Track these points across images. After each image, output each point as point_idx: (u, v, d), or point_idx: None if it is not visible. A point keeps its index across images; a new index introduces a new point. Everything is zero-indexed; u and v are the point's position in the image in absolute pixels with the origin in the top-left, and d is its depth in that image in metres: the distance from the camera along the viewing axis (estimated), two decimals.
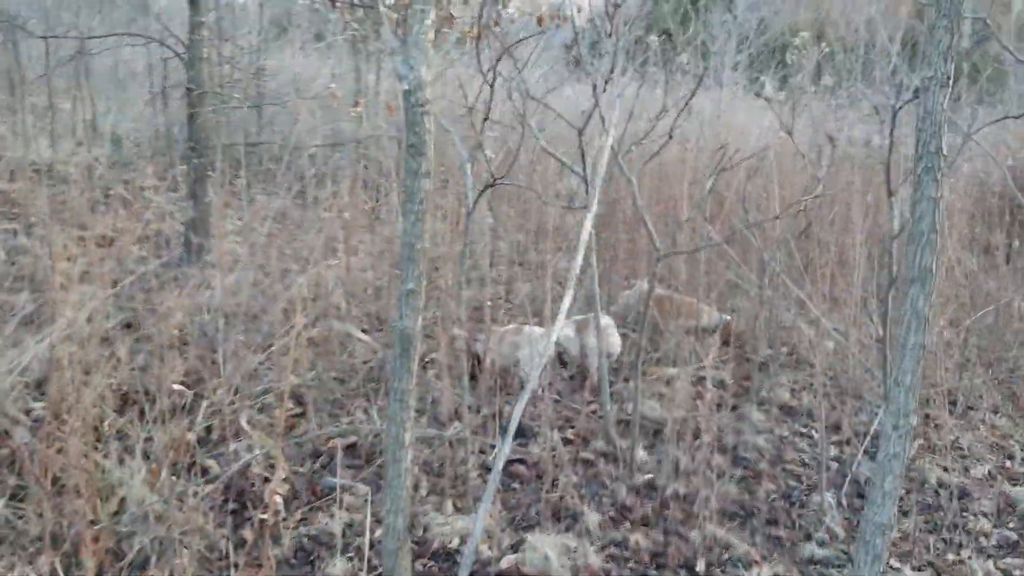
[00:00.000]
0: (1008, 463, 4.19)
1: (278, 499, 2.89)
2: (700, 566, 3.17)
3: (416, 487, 3.53)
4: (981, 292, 5.62)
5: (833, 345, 5.03)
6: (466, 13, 4.35)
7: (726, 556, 3.27)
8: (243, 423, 3.86)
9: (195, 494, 3.31)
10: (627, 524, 3.40)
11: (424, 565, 3.12)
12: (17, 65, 9.89)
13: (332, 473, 3.63)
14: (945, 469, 3.89)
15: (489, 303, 5.97)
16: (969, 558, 3.36)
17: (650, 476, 3.70)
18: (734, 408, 4.45)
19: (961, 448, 4.24)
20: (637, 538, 3.29)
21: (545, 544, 3.12)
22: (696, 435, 4.05)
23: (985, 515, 3.64)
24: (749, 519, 3.50)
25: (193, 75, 6.22)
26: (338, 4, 5.32)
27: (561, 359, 5.12)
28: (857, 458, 3.89)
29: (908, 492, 3.76)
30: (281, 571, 3.07)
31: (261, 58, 9.73)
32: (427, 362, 4.82)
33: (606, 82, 3.46)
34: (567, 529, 3.31)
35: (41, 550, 2.93)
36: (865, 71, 8.32)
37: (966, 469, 4.09)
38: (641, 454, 3.88)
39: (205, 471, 3.57)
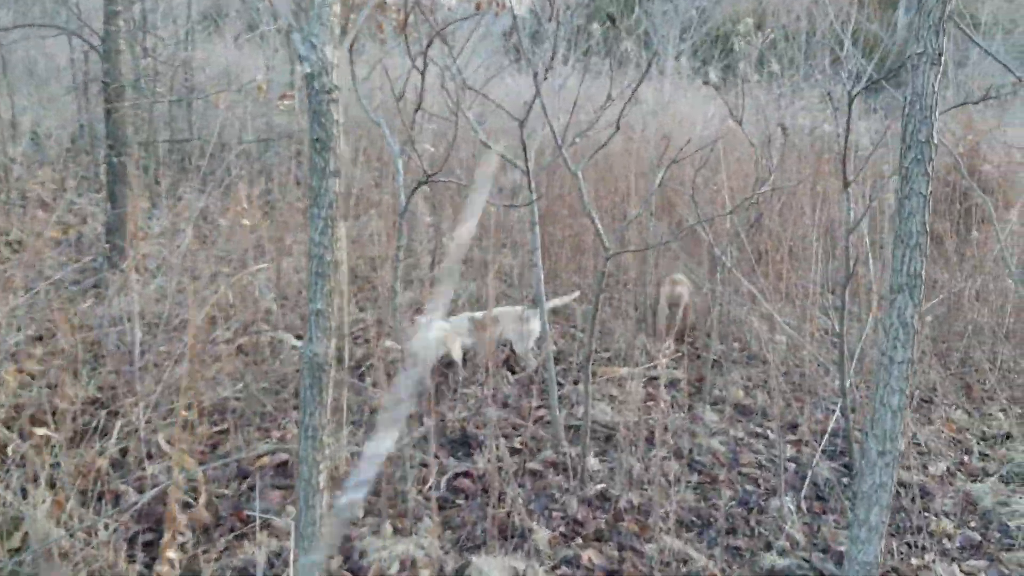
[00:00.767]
0: (966, 458, 4.08)
1: (182, 536, 2.61)
2: None
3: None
4: (931, 281, 5.53)
5: (786, 340, 4.90)
6: None
7: (684, 570, 3.08)
8: (161, 442, 3.56)
9: (106, 526, 3.02)
10: (579, 540, 3.19)
11: None
12: None
13: (261, 495, 3.35)
14: (906, 468, 3.75)
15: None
16: (933, 562, 3.22)
17: (602, 486, 3.50)
18: (688, 409, 4.28)
19: (919, 444, 4.12)
20: (590, 555, 3.08)
21: (492, 567, 2.89)
22: (649, 439, 3.87)
23: (947, 515, 3.51)
24: (706, 529, 3.31)
25: (109, 68, 5.83)
26: None
27: (508, 363, 4.90)
28: (815, 458, 3.74)
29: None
30: None
31: (187, 50, 9.32)
32: (364, 369, 4.57)
33: (547, 70, 3.23)
34: (515, 548, 3.08)
35: None
36: (807, 59, 8.26)
37: (924, 466, 3.97)
38: (592, 462, 3.67)
39: (119, 498, 3.27)
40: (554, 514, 3.30)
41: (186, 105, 8.90)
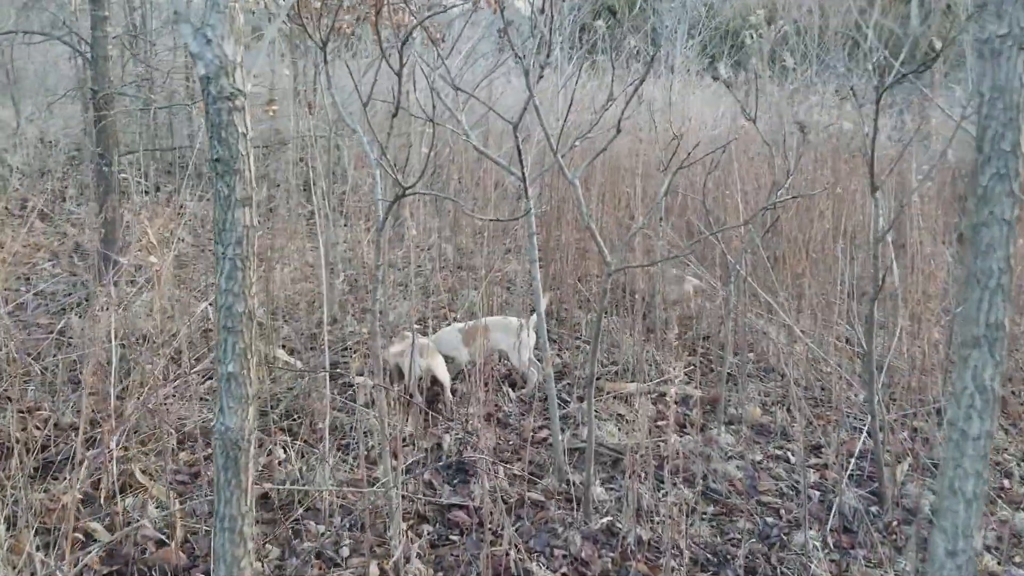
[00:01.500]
0: (1006, 482, 3.79)
1: None
2: None
3: (337, 546, 3.03)
4: (959, 285, 5.23)
5: (806, 351, 4.61)
6: None
7: None
8: (137, 473, 3.32)
9: (73, 568, 2.78)
10: None
11: None
12: None
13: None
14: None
15: (432, 314, 5.49)
16: None
17: (609, 519, 3.23)
18: (702, 429, 4.00)
19: None
20: None
21: None
22: (660, 465, 3.61)
23: (988, 550, 3.22)
24: (723, 568, 3.04)
25: (97, 75, 5.61)
26: None
27: (510, 378, 4.64)
28: (841, 484, 3.45)
29: (900, 524, 3.34)
30: None
31: (186, 55, 9.11)
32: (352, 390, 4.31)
33: (541, 69, 2.97)
34: None
35: None
36: (820, 53, 7.95)
37: None
38: (598, 491, 3.41)
39: (89, 537, 3.03)
40: (556, 552, 3.03)
41: (185, 112, 8.68)
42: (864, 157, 3.00)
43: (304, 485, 3.34)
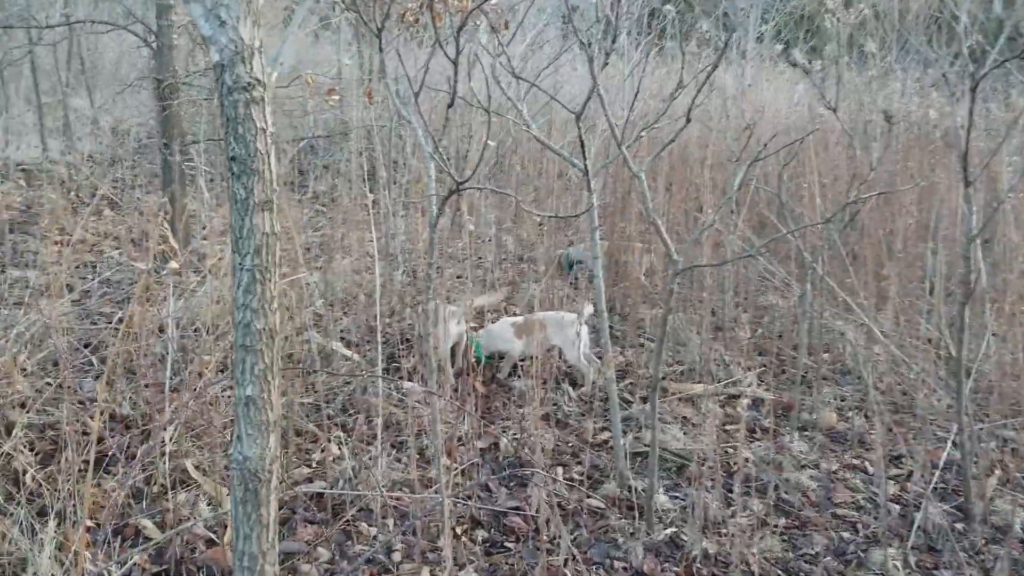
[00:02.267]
0: None
1: None
2: None
3: (389, 551, 2.93)
4: None
5: (885, 353, 4.36)
6: None
7: None
8: (190, 468, 3.27)
9: (121, 568, 2.74)
10: None
11: None
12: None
13: (292, 532, 3.04)
14: None
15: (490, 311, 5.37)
16: None
17: (673, 530, 3.06)
18: (773, 435, 3.80)
19: None
20: None
21: None
22: (729, 472, 3.42)
23: None
24: None
25: (161, 64, 5.62)
26: None
27: (571, 378, 4.49)
28: (924, 498, 3.22)
29: (989, 543, 3.10)
30: None
31: None
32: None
33: (607, 55, 2.81)
34: None
35: None
36: (901, 38, 7.59)
37: None
38: (662, 499, 3.24)
39: (139, 534, 2.98)
40: (616, 564, 2.88)
41: None
42: (956, 149, 2.77)
43: (357, 485, 3.25)
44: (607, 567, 2.86)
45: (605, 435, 3.83)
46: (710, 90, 4.50)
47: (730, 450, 3.69)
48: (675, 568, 2.87)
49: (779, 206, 3.43)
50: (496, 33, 3.07)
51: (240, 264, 1.29)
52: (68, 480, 2.82)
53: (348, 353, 4.63)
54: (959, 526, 3.20)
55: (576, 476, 3.43)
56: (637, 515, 3.11)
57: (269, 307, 1.33)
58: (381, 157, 6.52)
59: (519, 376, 4.40)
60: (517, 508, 3.18)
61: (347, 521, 3.06)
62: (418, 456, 3.42)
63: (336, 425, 3.88)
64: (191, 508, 3.08)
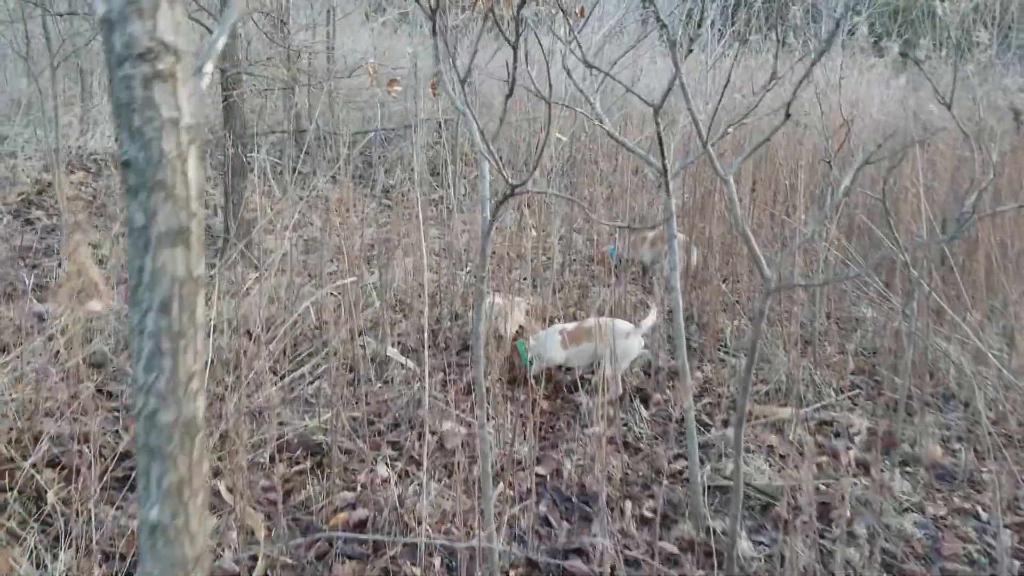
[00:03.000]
0: None
1: None
2: None
3: None
4: None
5: (997, 376, 3.89)
6: None
7: None
8: (222, 490, 3.03)
9: None
10: None
11: None
12: (75, 54, 9.44)
13: (329, 566, 2.77)
14: None
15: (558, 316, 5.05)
16: None
17: None
18: (868, 471, 3.39)
19: None
20: None
21: None
22: (823, 514, 3.03)
23: None
24: None
25: (224, 53, 5.44)
26: None
27: (644, 394, 4.14)
28: None
29: None
30: None
31: (328, 36, 8.98)
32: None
33: (692, 41, 2.45)
34: None
35: None
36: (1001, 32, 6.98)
37: None
38: (744, 545, 2.87)
39: None
40: None
41: (327, 93, 8.54)
42: None
43: (403, 515, 2.96)
44: None
45: (681, 463, 3.47)
46: (808, 83, 4.07)
47: (822, 487, 3.29)
48: None
49: (884, 214, 3.01)
50: (567, 18, 2.73)
51: (139, 326, 0.94)
52: (87, 502, 2.60)
53: (403, 360, 4.36)
54: None
55: (647, 513, 3.08)
56: (716, 564, 2.74)
57: (185, 390, 0.97)
58: (448, 151, 6.25)
59: (587, 390, 4.07)
60: (579, 550, 2.85)
61: (391, 558, 2.77)
62: (474, 480, 3.11)
63: (387, 442, 3.61)
64: (220, 537, 2.83)
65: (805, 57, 3.12)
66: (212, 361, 4.09)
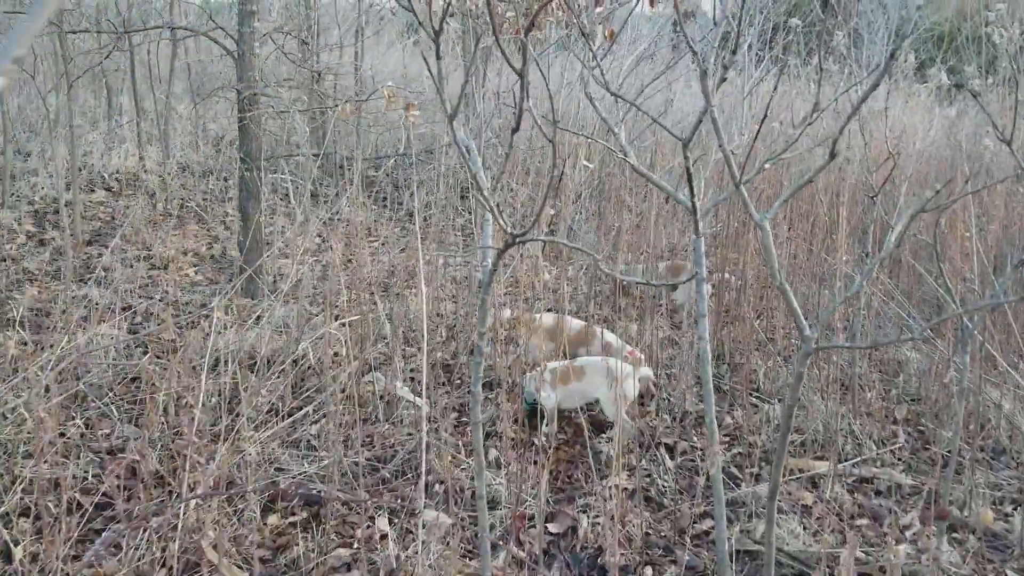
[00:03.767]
0: None
1: None
2: None
3: None
4: None
5: None
6: None
7: None
8: (206, 549, 2.79)
9: None
10: None
11: None
12: (102, 71, 9.40)
13: None
14: None
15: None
16: None
17: None
18: (913, 535, 3.09)
19: None
20: None
21: None
22: None
23: None
24: None
25: (242, 73, 5.28)
26: None
27: (668, 445, 3.86)
28: None
29: None
30: None
31: (356, 56, 8.85)
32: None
33: (725, 68, 2.21)
34: None
35: None
36: None
37: None
38: None
39: None
40: None
41: (344, 115, 8.39)
42: None
43: None
44: None
45: (707, 523, 3.19)
46: (837, 114, 3.81)
47: (861, 555, 3.00)
48: None
49: (935, 259, 2.73)
50: (590, 43, 2.51)
51: None
52: (55, 559, 2.38)
53: (413, 399, 4.13)
54: None
55: None
56: None
57: None
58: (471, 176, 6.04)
59: (608, 436, 3.81)
60: None
61: None
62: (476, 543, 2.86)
63: (391, 490, 3.37)
64: None
65: (849, 87, 2.86)
66: (209, 398, 3.89)
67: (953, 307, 2.76)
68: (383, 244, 7.02)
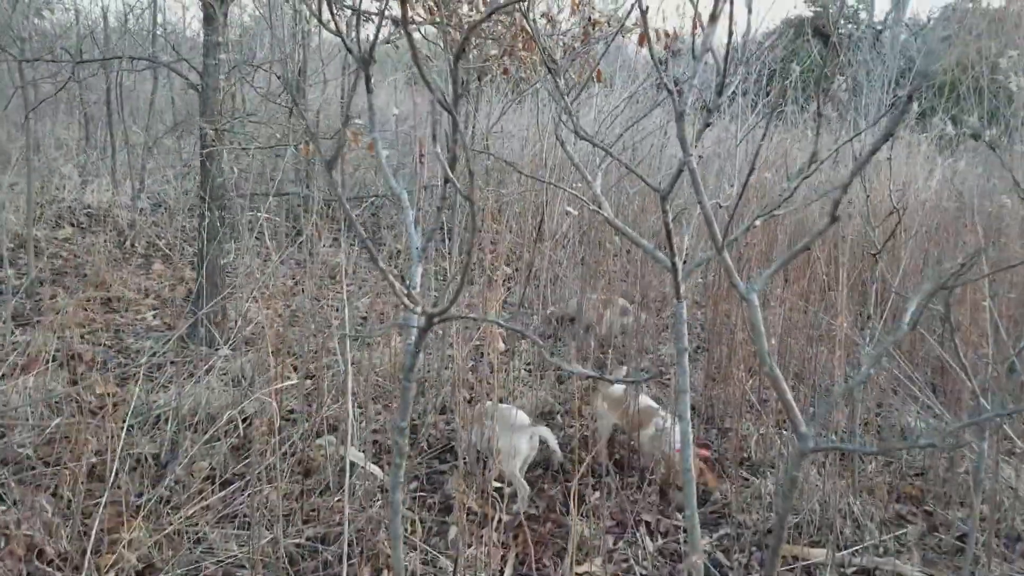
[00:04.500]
0: None
1: None
2: None
3: None
4: None
5: None
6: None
7: None
8: None
9: None
10: None
11: None
12: (80, 101, 9.12)
13: None
14: None
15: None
16: None
17: None
18: None
19: None
20: None
21: None
22: None
23: None
24: None
25: (206, 108, 4.97)
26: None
27: (650, 526, 3.49)
28: None
29: None
30: None
31: (342, 94, 8.58)
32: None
33: (710, 113, 1.89)
34: None
35: None
36: None
37: None
38: None
39: None
40: None
41: (340, 156, 8.08)
42: None
43: None
44: None
45: None
46: (834, 165, 3.50)
47: None
48: None
49: (950, 336, 2.39)
50: (555, 78, 2.19)
51: None
52: None
53: (365, 466, 3.73)
54: None
55: None
56: None
57: None
58: (446, 219, 5.72)
59: (583, 512, 3.44)
60: None
61: None
62: None
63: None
64: None
65: (854, 135, 2.54)
66: (139, 462, 3.52)
67: (967, 382, 2.41)
68: (360, 288, 6.68)
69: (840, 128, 5.87)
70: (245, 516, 3.29)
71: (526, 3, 2.33)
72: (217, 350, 4.77)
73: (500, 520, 3.28)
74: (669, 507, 3.60)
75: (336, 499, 3.50)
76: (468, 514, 3.07)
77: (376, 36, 1.68)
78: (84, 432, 3.28)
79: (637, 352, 4.82)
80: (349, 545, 3.14)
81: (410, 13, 4.13)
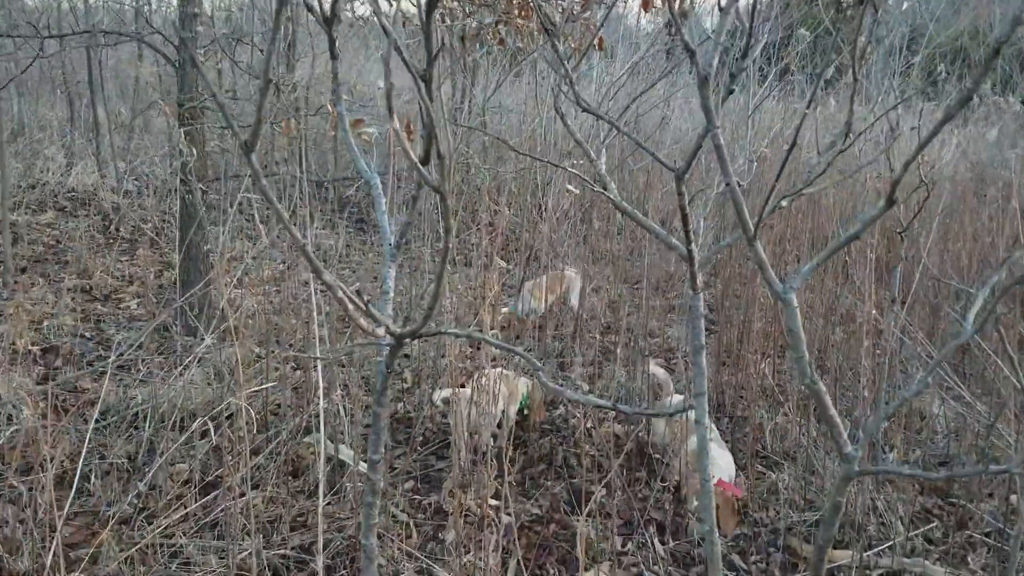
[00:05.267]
0: None
1: None
2: None
3: None
4: None
5: None
6: None
7: None
8: None
9: None
10: None
11: None
12: (63, 80, 8.81)
13: None
14: None
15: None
16: None
17: None
18: None
19: None
20: None
21: None
22: None
23: None
24: None
25: (184, 84, 4.68)
26: None
27: (659, 523, 3.26)
28: None
29: None
30: None
31: (302, 66, 8.26)
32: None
33: (733, 78, 1.63)
34: None
35: None
36: None
37: None
38: None
39: None
40: None
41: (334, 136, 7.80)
42: None
43: None
44: None
45: None
46: (870, 133, 3.24)
47: None
48: None
49: (1002, 346, 2.14)
50: (555, 41, 1.93)
51: None
52: None
53: (351, 462, 3.47)
54: None
55: None
56: None
57: None
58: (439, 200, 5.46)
59: (589, 513, 3.20)
60: None
61: None
62: None
63: None
64: None
65: (898, 102, 2.28)
66: (112, 466, 3.28)
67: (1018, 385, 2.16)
68: (353, 271, 6.42)
69: (852, 97, 5.58)
70: (228, 524, 3.06)
71: None
72: (202, 340, 4.53)
73: (500, 521, 3.05)
74: (681, 506, 3.36)
75: (325, 503, 3.27)
76: (466, 515, 2.85)
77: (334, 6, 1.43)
78: (52, 434, 3.03)
79: (643, 336, 4.56)
80: (336, 557, 2.93)
81: None
